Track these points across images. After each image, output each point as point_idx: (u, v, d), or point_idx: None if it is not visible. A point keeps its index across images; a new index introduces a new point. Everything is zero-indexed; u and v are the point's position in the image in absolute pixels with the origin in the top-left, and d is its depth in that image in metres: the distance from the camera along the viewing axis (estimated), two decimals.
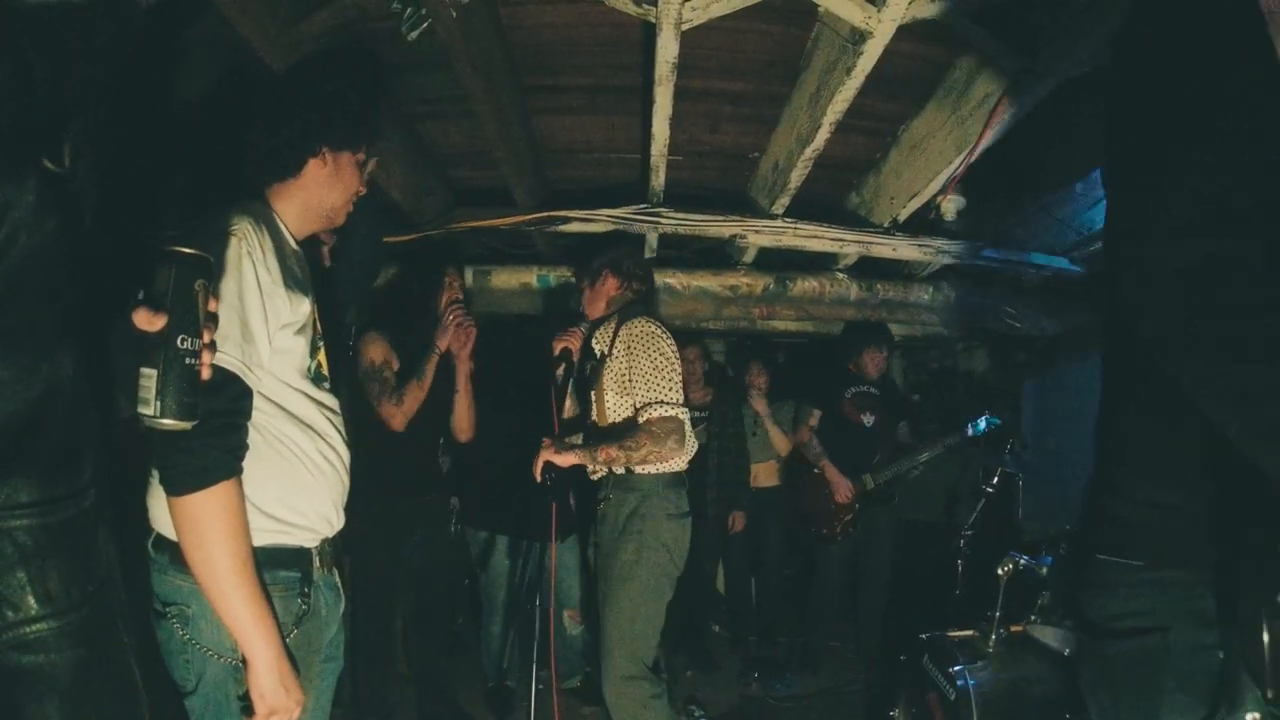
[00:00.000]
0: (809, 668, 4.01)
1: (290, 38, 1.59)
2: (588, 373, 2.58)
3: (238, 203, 1.34)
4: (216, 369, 1.15)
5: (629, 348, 2.39)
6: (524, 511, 3.04)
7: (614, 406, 2.46)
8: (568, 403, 2.69)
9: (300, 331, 1.35)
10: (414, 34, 1.61)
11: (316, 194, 1.45)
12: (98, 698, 0.83)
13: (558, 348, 2.53)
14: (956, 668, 2.25)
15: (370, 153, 1.52)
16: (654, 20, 1.85)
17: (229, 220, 1.27)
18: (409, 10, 1.55)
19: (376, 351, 2.77)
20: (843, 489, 3.95)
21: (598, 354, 2.52)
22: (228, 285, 1.23)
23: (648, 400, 2.33)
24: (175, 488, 1.19)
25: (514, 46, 2.15)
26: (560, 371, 2.52)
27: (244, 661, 1.26)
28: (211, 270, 1.03)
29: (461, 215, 3.21)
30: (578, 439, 2.58)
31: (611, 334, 2.48)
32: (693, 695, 3.64)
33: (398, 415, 2.72)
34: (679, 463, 2.44)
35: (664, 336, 2.40)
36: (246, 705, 1.28)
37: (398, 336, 2.82)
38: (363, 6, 1.59)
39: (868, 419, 4.06)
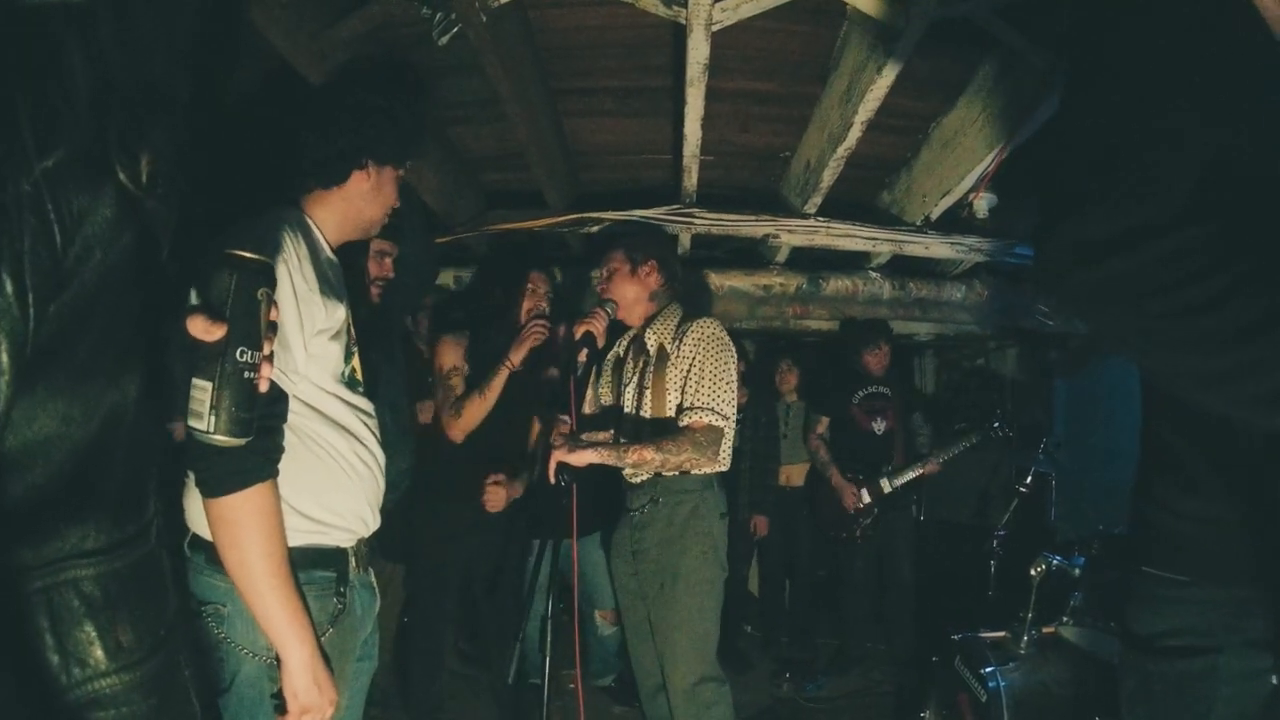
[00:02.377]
0: (840, 669, 3.98)
1: (319, 45, 1.63)
2: (637, 367, 2.46)
3: (273, 210, 1.36)
4: None
5: (698, 348, 2.31)
6: (540, 512, 2.93)
7: (672, 408, 2.35)
8: (588, 393, 2.54)
9: (335, 337, 1.37)
10: (444, 39, 1.64)
11: (357, 205, 1.47)
12: None
13: (579, 331, 2.28)
14: (988, 669, 2.21)
15: (409, 168, 1.55)
16: (684, 21, 1.85)
17: (266, 227, 1.29)
18: (438, 15, 1.57)
19: (446, 356, 2.72)
20: (848, 497, 3.96)
21: (652, 348, 2.41)
22: None
23: (700, 405, 2.25)
24: (212, 490, 1.20)
25: (544, 50, 2.17)
26: (582, 358, 2.27)
27: (278, 660, 1.27)
28: (274, 278, 0.98)
29: (494, 218, 3.25)
30: (599, 436, 2.49)
31: (674, 330, 2.39)
32: None
33: (455, 427, 2.65)
34: (725, 464, 2.38)
35: (730, 347, 2.35)
36: (280, 704, 1.29)
37: (476, 342, 2.74)
38: (391, 13, 1.62)
39: (878, 425, 4.04)
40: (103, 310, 0.64)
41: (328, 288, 1.36)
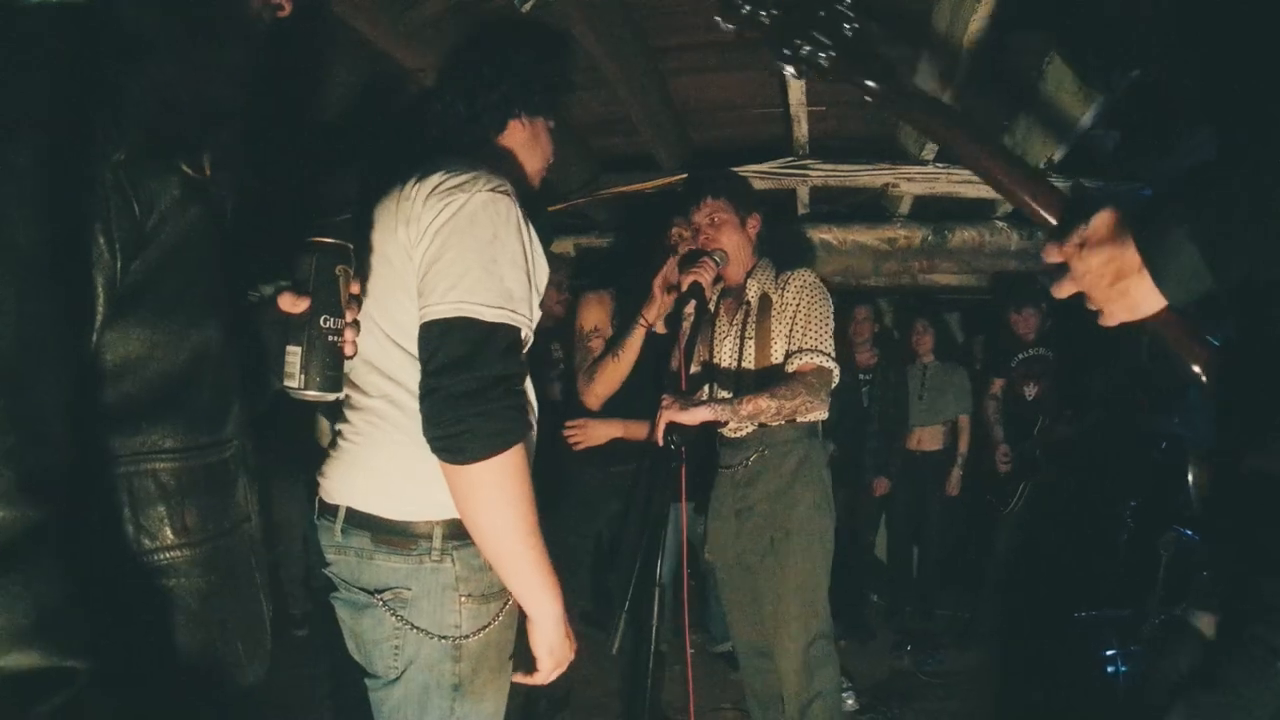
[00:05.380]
0: (965, 644, 3.85)
1: (405, 26, 1.70)
2: (735, 319, 2.38)
3: (489, 158, 1.32)
4: (510, 329, 1.17)
5: (802, 294, 2.26)
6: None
7: (779, 355, 2.29)
8: (699, 349, 2.41)
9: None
10: (527, 6, 1.66)
11: (521, 157, 1.44)
12: (221, 620, 0.90)
13: (686, 282, 2.13)
14: (1110, 651, 2.04)
15: (557, 119, 1.52)
16: None
17: (497, 179, 1.22)
18: None
19: (589, 316, 2.66)
20: (1000, 464, 3.82)
21: (754, 298, 2.34)
22: (511, 245, 1.19)
23: (809, 347, 2.20)
24: (472, 454, 1.13)
25: (636, 8, 2.15)
26: (691, 311, 2.10)
27: (464, 638, 1.25)
28: (351, 257, 1.09)
29: (607, 182, 3.29)
30: (705, 393, 2.40)
31: (774, 279, 2.35)
32: (843, 665, 3.57)
33: (588, 393, 2.56)
34: (824, 411, 2.29)
35: (829, 295, 2.31)
36: (520, 663, 1.30)
37: (622, 303, 2.66)
38: None
39: (1029, 390, 3.81)
40: (179, 265, 0.83)
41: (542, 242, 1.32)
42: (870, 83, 1.00)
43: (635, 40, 2.28)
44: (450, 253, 1.15)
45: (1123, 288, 0.85)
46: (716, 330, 2.44)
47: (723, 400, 2.12)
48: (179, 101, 0.82)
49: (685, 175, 3.11)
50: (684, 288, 2.13)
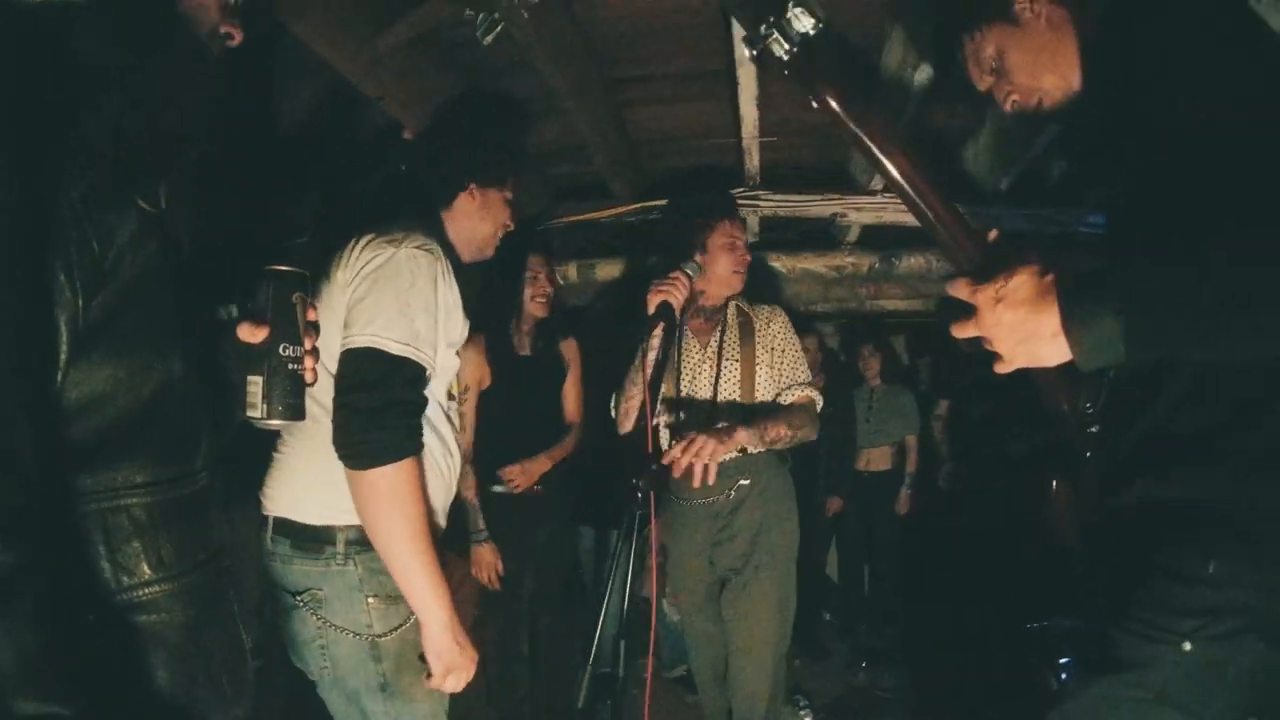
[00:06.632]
0: (919, 658, 3.91)
1: (367, 54, 1.70)
2: (712, 336, 2.35)
3: (423, 223, 1.49)
4: (414, 364, 1.35)
5: (786, 328, 2.36)
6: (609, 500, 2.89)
7: (764, 384, 2.31)
8: (666, 376, 2.28)
9: (457, 353, 1.51)
10: (489, 38, 1.68)
11: (468, 225, 1.62)
12: (205, 654, 0.91)
13: (654, 302, 1.92)
14: (1064, 660, 2.11)
15: (515, 188, 1.70)
16: None
17: (424, 239, 1.42)
18: (481, 16, 1.62)
19: (465, 372, 2.59)
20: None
21: (733, 316, 2.36)
22: (425, 295, 1.37)
23: (802, 380, 2.32)
24: (370, 460, 1.29)
25: (593, 40, 2.18)
26: (659, 333, 1.86)
27: (379, 636, 1.37)
28: (307, 284, 1.12)
29: (563, 210, 3.31)
30: (666, 419, 2.37)
31: (748, 302, 2.41)
32: (799, 684, 3.60)
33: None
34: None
35: None
36: (426, 666, 1.38)
37: (491, 341, 2.72)
38: (437, 17, 1.67)
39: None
40: (139, 300, 0.84)
41: (462, 303, 1.48)
42: (824, 90, 1.00)
43: (593, 70, 2.31)
44: (372, 294, 1.34)
45: (1031, 347, 0.86)
46: (686, 350, 2.39)
47: (748, 427, 2.10)
48: (134, 136, 0.84)
49: (640, 205, 3.16)
50: (651, 309, 1.93)
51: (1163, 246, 0.86)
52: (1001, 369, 0.91)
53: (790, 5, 1.00)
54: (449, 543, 2.13)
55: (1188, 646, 0.94)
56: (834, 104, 1.00)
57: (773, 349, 2.33)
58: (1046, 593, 2.88)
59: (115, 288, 0.81)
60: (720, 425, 2.12)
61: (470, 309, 1.53)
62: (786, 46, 1.01)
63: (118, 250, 0.80)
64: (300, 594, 1.38)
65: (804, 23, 1.00)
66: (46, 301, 0.74)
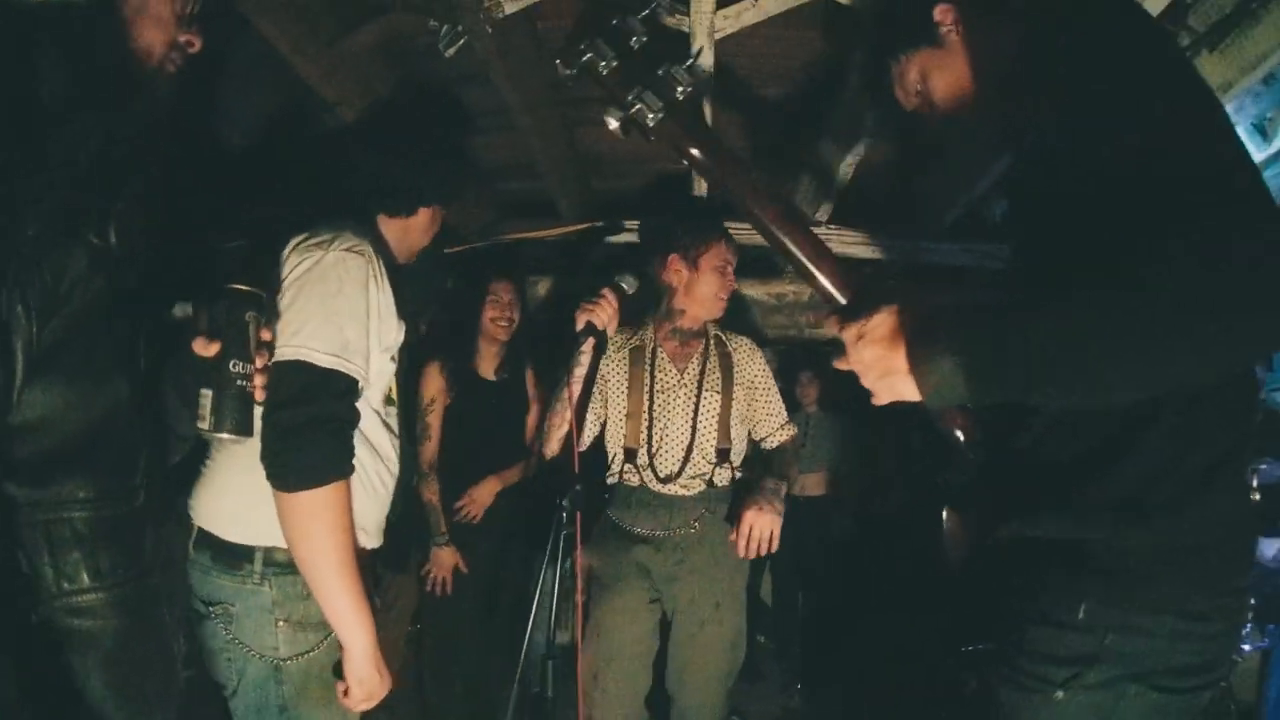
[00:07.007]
0: (855, 679, 3.94)
1: (330, 58, 1.66)
2: (690, 360, 2.30)
3: (357, 224, 1.43)
4: (343, 376, 1.29)
5: (765, 367, 2.35)
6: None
7: (739, 420, 2.27)
8: (592, 407, 2.25)
9: (393, 358, 1.45)
10: (451, 50, 1.66)
11: (414, 235, 1.59)
12: (136, 660, 1.00)
13: (581, 320, 1.80)
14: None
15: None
16: (687, 30, 1.85)
17: (355, 240, 1.35)
18: (445, 28, 1.60)
19: (427, 386, 2.70)
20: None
21: (713, 340, 2.33)
22: (354, 301, 1.31)
23: (784, 420, 2.32)
24: (295, 482, 1.23)
25: (551, 59, 2.18)
26: (585, 355, 1.80)
27: (283, 661, 1.34)
28: (263, 304, 1.17)
29: (509, 227, 3.28)
30: (723, 474, 2.27)
31: (727, 338, 2.37)
32: (736, 706, 3.60)
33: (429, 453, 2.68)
34: None
35: None
36: (345, 689, 1.35)
37: (451, 362, 2.73)
38: (401, 26, 1.65)
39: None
40: (88, 330, 0.92)
41: (396, 307, 1.43)
42: (694, 149, 1.04)
43: (547, 88, 2.31)
44: (298, 302, 1.28)
45: (891, 382, 0.90)
46: (660, 371, 2.30)
47: (779, 480, 2.05)
48: (84, 174, 0.90)
49: (586, 224, 3.15)
50: (578, 328, 1.81)
51: (1031, 289, 0.90)
52: (875, 401, 0.95)
53: (658, 72, 1.03)
54: (388, 559, 2.09)
55: (1060, 695, 0.95)
56: (702, 159, 1.06)
57: (753, 386, 2.31)
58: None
59: (67, 316, 0.88)
60: (766, 486, 2.00)
61: (433, 323, 1.53)
62: (654, 114, 1.04)
63: (69, 283, 0.88)
64: (214, 605, 1.35)
65: (674, 90, 1.04)
66: (4, 329, 0.82)
